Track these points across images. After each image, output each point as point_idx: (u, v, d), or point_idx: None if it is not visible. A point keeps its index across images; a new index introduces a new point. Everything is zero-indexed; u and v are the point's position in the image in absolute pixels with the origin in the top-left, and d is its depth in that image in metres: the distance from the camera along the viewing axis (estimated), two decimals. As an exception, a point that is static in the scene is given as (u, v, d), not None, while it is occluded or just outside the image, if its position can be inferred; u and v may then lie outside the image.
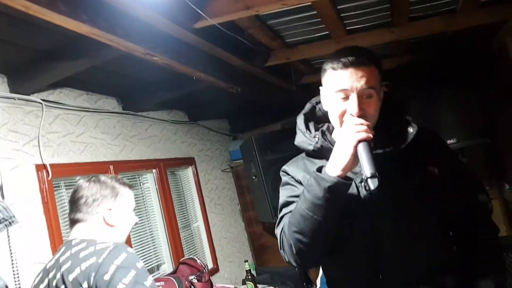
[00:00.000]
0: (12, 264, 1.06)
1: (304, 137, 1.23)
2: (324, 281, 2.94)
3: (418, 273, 1.10)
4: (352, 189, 1.10)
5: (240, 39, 2.26)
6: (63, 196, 2.48)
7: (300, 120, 1.27)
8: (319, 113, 1.28)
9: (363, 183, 1.08)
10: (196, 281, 2.84)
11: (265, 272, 3.75)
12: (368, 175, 0.97)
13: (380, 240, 1.11)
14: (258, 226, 4.29)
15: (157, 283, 2.73)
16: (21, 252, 2.07)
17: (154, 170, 3.30)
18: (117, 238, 1.43)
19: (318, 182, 1.03)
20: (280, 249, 1.18)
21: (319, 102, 1.27)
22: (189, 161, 3.80)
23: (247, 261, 3.26)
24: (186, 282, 2.81)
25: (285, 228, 1.13)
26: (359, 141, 1.00)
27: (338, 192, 1.03)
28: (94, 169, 2.71)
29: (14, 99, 2.22)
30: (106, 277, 1.19)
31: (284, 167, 1.30)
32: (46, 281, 1.32)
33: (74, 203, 1.41)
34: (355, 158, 1.02)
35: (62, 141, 2.52)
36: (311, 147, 1.20)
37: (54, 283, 1.28)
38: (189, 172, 3.82)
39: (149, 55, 1.95)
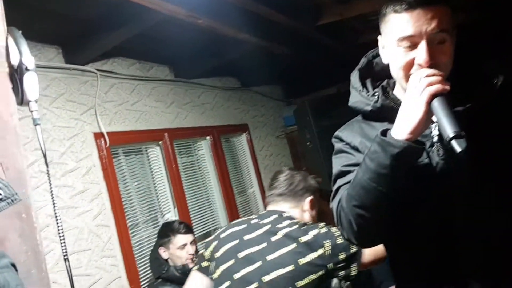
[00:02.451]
0: (58, 227, 1.07)
1: (360, 96, 1.05)
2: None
3: (498, 254, 0.94)
4: (422, 155, 0.93)
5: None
6: (122, 163, 2.57)
7: (354, 77, 1.09)
8: (377, 68, 1.10)
9: (435, 148, 0.91)
10: (251, 246, 2.86)
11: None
12: (451, 135, 0.78)
13: (454, 215, 0.95)
14: (314, 193, 4.20)
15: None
16: (85, 216, 2.20)
17: (208, 137, 3.31)
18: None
19: (384, 148, 0.87)
20: (338, 224, 1.03)
21: (376, 55, 1.09)
22: (242, 128, 3.76)
23: (302, 227, 3.21)
24: (241, 247, 2.83)
25: (343, 202, 0.98)
26: (433, 96, 0.83)
27: (407, 159, 0.87)
28: (149, 137, 2.77)
29: (69, 69, 2.28)
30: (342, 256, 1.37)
31: (337, 133, 1.13)
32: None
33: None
34: (427, 118, 0.85)
35: (118, 109, 2.58)
36: (368, 108, 1.03)
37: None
38: (243, 138, 3.79)
39: (192, 17, 1.88)
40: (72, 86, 2.32)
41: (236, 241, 1.42)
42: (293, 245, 1.34)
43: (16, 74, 1.09)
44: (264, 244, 1.37)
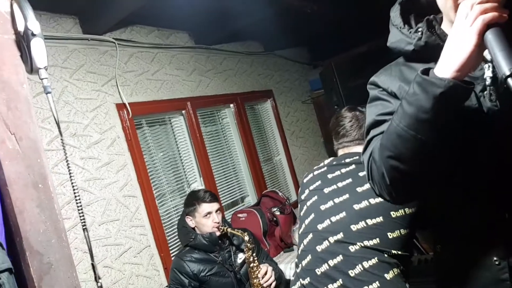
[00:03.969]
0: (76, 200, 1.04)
1: (401, 34, 0.91)
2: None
3: None
4: (470, 100, 0.80)
5: None
6: (146, 134, 2.56)
7: (395, 12, 0.94)
8: (423, 1, 0.95)
9: (487, 92, 0.78)
10: (278, 213, 2.83)
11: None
12: (508, 73, 0.66)
13: (507, 169, 0.82)
14: (343, 159, 4.10)
15: (240, 215, 2.78)
16: (112, 187, 2.21)
17: (231, 105, 3.25)
18: None
19: (425, 89, 0.74)
20: (368, 179, 0.93)
21: None
22: (267, 94, 3.66)
23: (331, 194, 3.15)
24: (269, 214, 2.82)
25: (375, 153, 0.88)
26: (487, 26, 0.70)
27: (453, 101, 0.74)
28: (172, 106, 2.74)
29: (88, 40, 2.24)
30: None
31: (373, 78, 1.00)
32: None
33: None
34: (479, 53, 0.72)
35: (138, 79, 2.54)
36: (410, 47, 0.89)
37: None
38: (267, 105, 3.70)
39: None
40: (91, 57, 2.28)
41: (319, 182, 1.46)
42: None
43: (23, 41, 1.04)
44: (350, 180, 1.38)
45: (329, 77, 2.97)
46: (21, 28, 1.04)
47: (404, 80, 0.92)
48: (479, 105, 0.82)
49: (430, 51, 0.85)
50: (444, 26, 0.88)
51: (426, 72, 0.77)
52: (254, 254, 1.98)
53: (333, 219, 1.33)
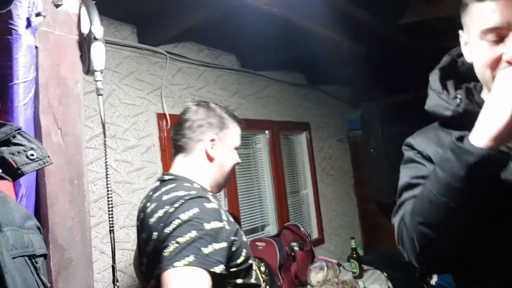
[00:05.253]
0: (108, 201, 1.06)
1: (440, 99, 0.92)
2: (445, 277, 2.56)
3: None
4: (507, 170, 0.78)
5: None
6: (180, 147, 2.60)
7: (434, 76, 0.96)
8: (462, 68, 0.96)
9: None
10: (297, 248, 2.76)
11: (373, 254, 3.49)
12: None
13: None
14: (371, 204, 3.98)
15: (259, 243, 2.73)
16: (139, 193, 2.25)
17: (267, 131, 3.25)
18: (214, 176, 1.30)
19: (458, 156, 0.74)
20: (398, 243, 0.91)
21: (462, 54, 0.95)
22: (303, 126, 3.66)
23: (354, 238, 3.05)
24: (287, 247, 2.75)
25: (406, 218, 0.87)
26: None
27: (486, 171, 0.73)
28: (209, 124, 2.77)
29: (142, 49, 2.34)
30: (167, 230, 1.06)
31: (409, 139, 1.01)
32: (141, 217, 1.30)
33: (179, 125, 1.34)
34: None
35: (182, 93, 2.61)
36: (448, 113, 0.89)
37: (141, 222, 1.27)
38: (302, 137, 3.68)
39: (269, 6, 1.81)
40: (142, 65, 2.37)
41: None
42: None
43: (84, 43, 1.10)
44: None
45: (370, 120, 2.93)
46: (85, 30, 1.10)
47: (441, 145, 0.91)
48: None
49: (468, 119, 0.84)
50: (484, 95, 0.88)
51: (461, 139, 0.76)
52: (267, 287, 1.93)
53: None
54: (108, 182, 1.08)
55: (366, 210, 4.09)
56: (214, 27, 2.42)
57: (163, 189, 1.20)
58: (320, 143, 3.84)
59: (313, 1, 2.07)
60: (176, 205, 1.09)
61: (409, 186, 0.93)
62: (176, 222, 1.05)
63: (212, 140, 1.29)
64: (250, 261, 1.19)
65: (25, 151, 0.72)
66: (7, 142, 0.72)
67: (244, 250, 1.16)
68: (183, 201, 1.09)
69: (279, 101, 3.41)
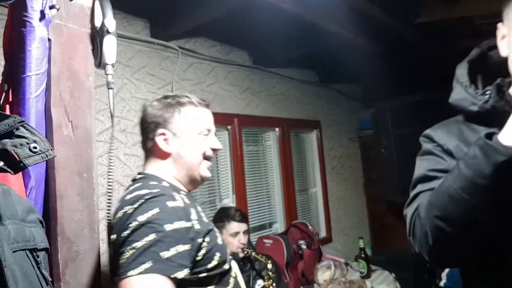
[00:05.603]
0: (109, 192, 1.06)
1: (466, 93, 0.89)
2: (455, 280, 2.53)
3: None
4: None
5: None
6: (189, 142, 2.60)
7: (462, 69, 0.93)
8: (492, 62, 0.93)
9: None
10: (305, 246, 2.75)
11: (381, 254, 3.46)
12: None
13: None
14: (381, 204, 3.94)
15: (266, 241, 2.73)
16: (147, 187, 2.25)
17: (277, 129, 3.24)
18: (181, 171, 1.16)
19: (487, 154, 0.72)
20: (409, 235, 0.90)
21: (493, 47, 0.92)
22: (314, 124, 3.63)
23: (362, 238, 3.03)
24: (295, 245, 2.74)
25: (421, 210, 0.85)
26: None
27: None
28: (219, 120, 2.77)
29: (154, 44, 2.34)
30: (124, 234, 0.95)
31: (428, 131, 0.98)
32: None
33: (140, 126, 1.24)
34: None
35: (193, 89, 2.60)
36: (475, 108, 0.87)
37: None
38: (313, 135, 3.66)
39: (279, 1, 1.80)
40: (154, 60, 2.38)
41: None
42: None
43: (97, 36, 1.10)
44: None
45: (382, 119, 2.90)
46: (98, 23, 1.10)
47: (463, 140, 0.89)
48: None
49: (495, 116, 0.82)
50: None
51: (489, 136, 0.74)
52: (274, 284, 1.92)
53: None
54: (110, 175, 1.08)
55: (375, 210, 4.05)
56: (226, 23, 2.41)
57: (130, 188, 1.10)
58: (331, 141, 3.81)
59: (327, -2, 2.05)
60: (135, 205, 0.98)
61: (426, 179, 0.91)
62: (134, 225, 0.95)
63: (162, 134, 1.15)
64: (226, 267, 1.08)
65: (28, 143, 0.71)
66: (10, 134, 0.71)
67: (218, 254, 1.05)
68: (142, 200, 0.99)
69: (289, 98, 3.39)
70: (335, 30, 2.24)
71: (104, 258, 1.97)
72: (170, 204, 1.00)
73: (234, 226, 2.02)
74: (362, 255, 2.89)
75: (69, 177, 1.00)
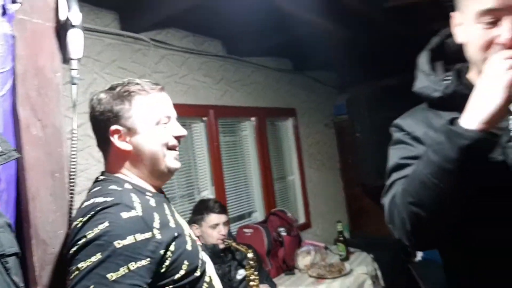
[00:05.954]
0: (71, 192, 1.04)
1: (428, 81, 0.93)
2: (427, 256, 2.63)
3: None
4: (495, 151, 0.80)
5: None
6: (165, 135, 2.56)
7: (423, 58, 0.97)
8: (451, 50, 0.97)
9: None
10: (284, 233, 2.79)
11: (359, 237, 3.55)
12: None
13: None
14: (357, 188, 4.03)
15: (246, 230, 2.75)
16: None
17: (253, 118, 3.24)
18: (143, 168, 1.04)
19: (451, 139, 0.76)
20: (388, 223, 0.93)
21: (451, 35, 0.95)
22: (290, 112, 3.65)
23: (340, 222, 3.09)
24: (275, 233, 2.78)
25: (397, 198, 0.89)
26: None
27: (477, 153, 0.75)
28: (195, 112, 2.75)
29: (124, 36, 2.28)
30: (71, 252, 0.87)
31: (397, 121, 1.02)
32: None
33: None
34: (506, 106, 0.74)
35: (166, 81, 2.56)
36: (437, 94, 0.91)
37: None
38: (289, 123, 3.68)
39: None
40: (124, 53, 2.32)
41: None
42: None
43: (62, 31, 1.06)
44: None
45: (356, 105, 2.95)
46: (63, 17, 1.06)
47: (430, 126, 0.93)
48: (504, 156, 0.82)
49: (457, 100, 0.86)
50: (472, 76, 0.90)
51: (453, 122, 0.78)
52: (255, 273, 1.94)
53: None
54: (72, 175, 1.04)
55: (352, 194, 4.14)
56: (198, 13, 2.37)
57: (90, 191, 1.01)
58: (307, 129, 3.84)
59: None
60: (85, 218, 0.89)
61: (399, 167, 0.94)
62: (81, 242, 0.86)
63: (115, 131, 1.02)
64: (197, 274, 0.99)
65: None
66: None
67: (186, 262, 0.96)
68: (93, 212, 0.89)
69: (265, 87, 3.39)
70: (308, 17, 2.24)
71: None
72: (124, 215, 0.89)
73: (213, 217, 2.02)
74: (341, 239, 2.96)
75: (41, 178, 0.97)
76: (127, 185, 1.00)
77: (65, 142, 1.06)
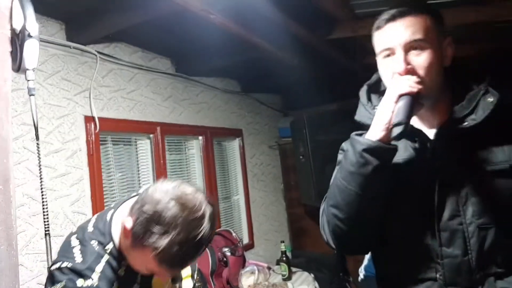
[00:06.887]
0: (44, 211, 1.00)
1: (365, 111, 1.08)
2: (369, 274, 2.76)
3: (483, 273, 0.92)
4: (410, 157, 0.98)
5: (304, 5, 2.08)
6: (109, 151, 2.48)
7: (362, 91, 1.12)
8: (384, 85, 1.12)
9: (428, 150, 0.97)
10: (229, 254, 2.79)
11: (301, 256, 3.63)
12: (395, 122, 0.89)
13: (441, 228, 0.94)
14: (299, 208, 4.15)
15: (191, 250, 2.70)
16: (62, 201, 2.11)
17: (200, 137, 3.25)
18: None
19: (353, 146, 0.93)
20: (321, 229, 1.06)
21: None
22: (236, 133, 3.71)
23: (283, 242, 3.16)
24: (219, 253, 2.76)
25: (324, 204, 1.04)
26: (400, 95, 0.90)
27: (376, 157, 0.90)
28: (141, 128, 2.70)
29: (70, 47, 2.21)
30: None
31: (342, 144, 1.16)
32: None
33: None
34: (390, 122, 0.92)
35: (113, 95, 2.50)
36: (370, 121, 1.03)
37: None
38: (235, 143, 3.74)
39: (206, 12, 1.83)
40: (70, 65, 2.24)
41: None
42: None
43: (17, 40, 1.02)
44: None
45: (299, 128, 3.07)
46: (17, 26, 1.03)
47: None
48: (417, 162, 0.99)
49: None
50: None
51: (360, 135, 0.96)
52: (201, 293, 1.92)
53: None
54: (43, 187, 1.01)
55: (294, 214, 4.25)
56: (149, 30, 2.37)
57: (93, 220, 1.11)
58: (252, 149, 3.92)
59: (251, 10, 2.13)
60: (53, 266, 0.96)
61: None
62: (48, 272, 0.94)
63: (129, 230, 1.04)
64: None
65: None
66: None
67: None
68: (58, 264, 0.97)
69: (212, 107, 3.42)
70: (257, 42, 2.34)
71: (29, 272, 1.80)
72: (79, 283, 0.95)
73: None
74: (284, 258, 3.02)
75: (-16, 191, 0.91)
76: (109, 246, 1.05)
77: (11, 154, 1.00)
